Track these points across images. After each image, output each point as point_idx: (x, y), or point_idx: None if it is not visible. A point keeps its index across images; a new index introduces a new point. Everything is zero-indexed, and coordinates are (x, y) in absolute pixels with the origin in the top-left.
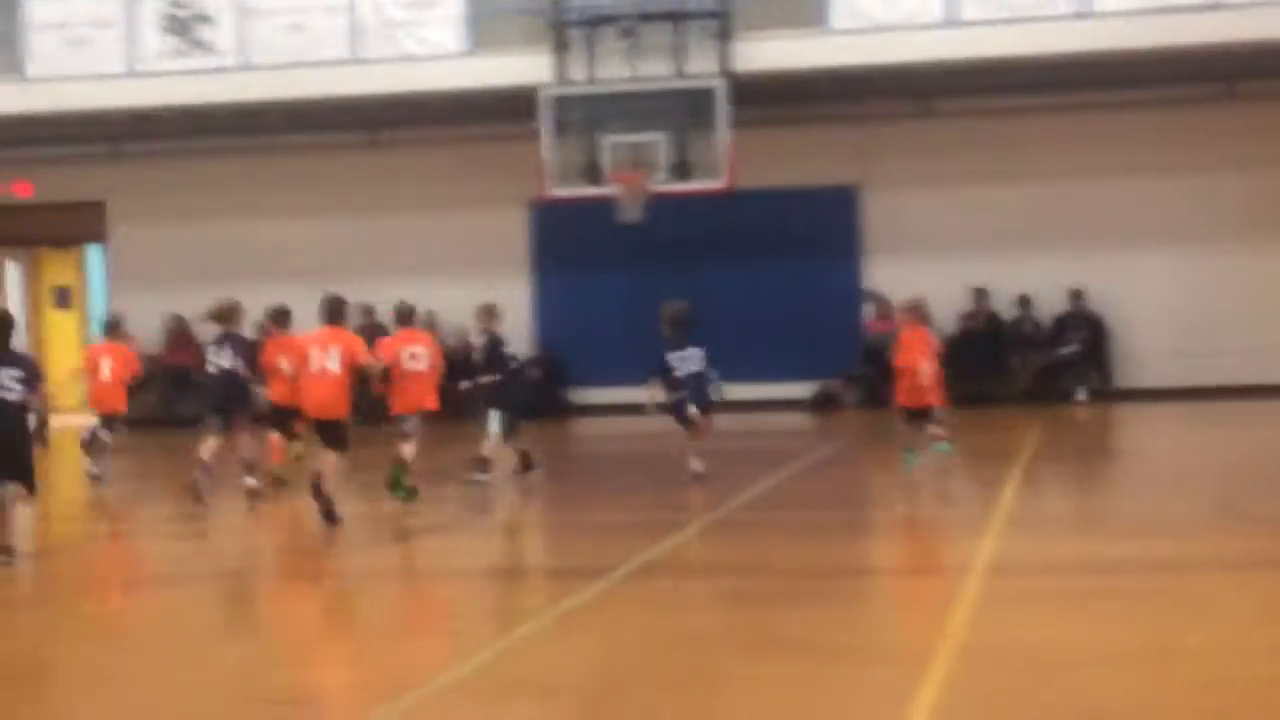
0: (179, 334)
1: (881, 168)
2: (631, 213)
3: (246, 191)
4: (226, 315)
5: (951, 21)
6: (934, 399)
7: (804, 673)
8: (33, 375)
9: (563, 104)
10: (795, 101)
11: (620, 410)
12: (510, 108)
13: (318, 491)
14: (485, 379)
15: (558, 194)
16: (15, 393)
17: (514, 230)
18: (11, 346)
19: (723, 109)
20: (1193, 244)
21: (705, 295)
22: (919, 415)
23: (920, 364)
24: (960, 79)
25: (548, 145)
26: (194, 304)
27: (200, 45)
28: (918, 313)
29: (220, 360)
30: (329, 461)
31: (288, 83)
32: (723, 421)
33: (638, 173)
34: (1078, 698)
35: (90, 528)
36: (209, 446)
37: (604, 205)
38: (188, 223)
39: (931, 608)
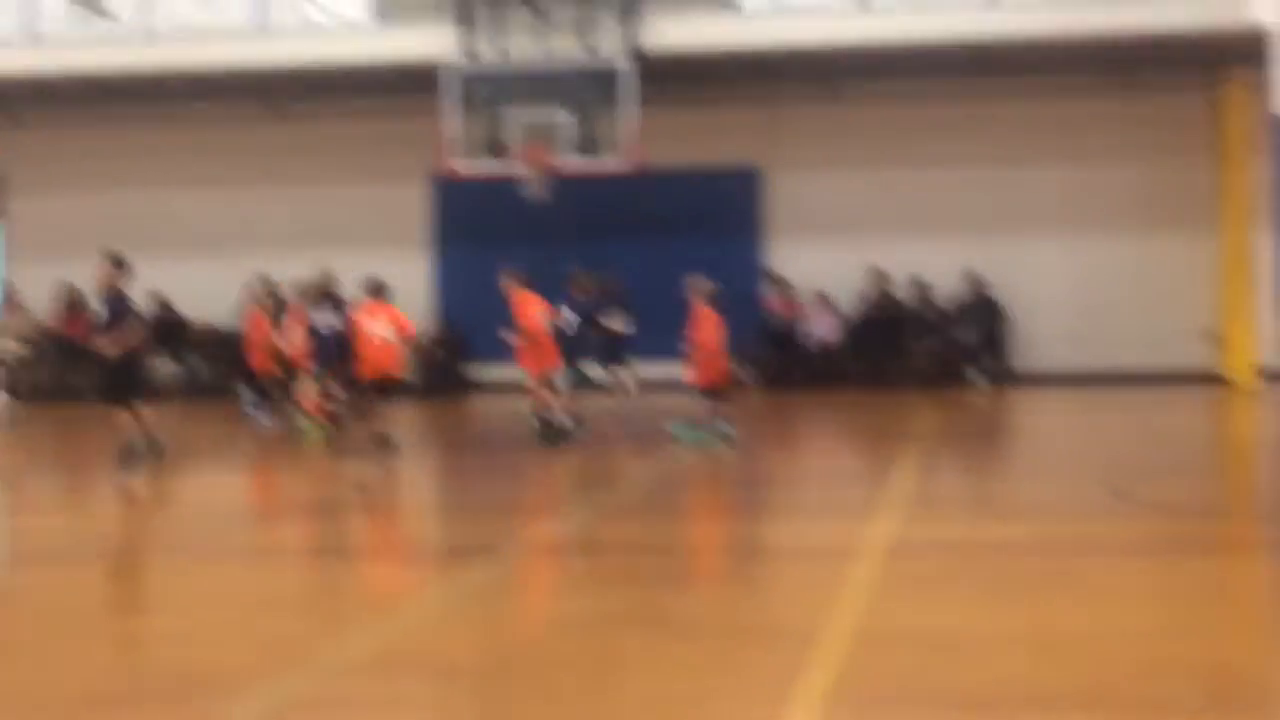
0: (72, 305)
1: (786, 150)
2: (536, 190)
3: (149, 162)
4: (325, 283)
5: (861, 6)
6: (726, 379)
7: (700, 653)
8: None
9: (468, 79)
10: (702, 82)
11: (521, 387)
12: (415, 82)
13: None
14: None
15: (461, 170)
16: None
17: (417, 205)
18: None
19: (629, 88)
20: (1089, 232)
21: (609, 274)
22: (713, 394)
23: (713, 344)
24: (867, 63)
25: (452, 120)
26: (88, 273)
27: (103, 13)
28: (708, 294)
29: (330, 321)
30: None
31: (192, 52)
32: (626, 401)
33: (543, 150)
34: (968, 679)
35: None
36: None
37: (508, 182)
38: (89, 194)
39: (825, 589)
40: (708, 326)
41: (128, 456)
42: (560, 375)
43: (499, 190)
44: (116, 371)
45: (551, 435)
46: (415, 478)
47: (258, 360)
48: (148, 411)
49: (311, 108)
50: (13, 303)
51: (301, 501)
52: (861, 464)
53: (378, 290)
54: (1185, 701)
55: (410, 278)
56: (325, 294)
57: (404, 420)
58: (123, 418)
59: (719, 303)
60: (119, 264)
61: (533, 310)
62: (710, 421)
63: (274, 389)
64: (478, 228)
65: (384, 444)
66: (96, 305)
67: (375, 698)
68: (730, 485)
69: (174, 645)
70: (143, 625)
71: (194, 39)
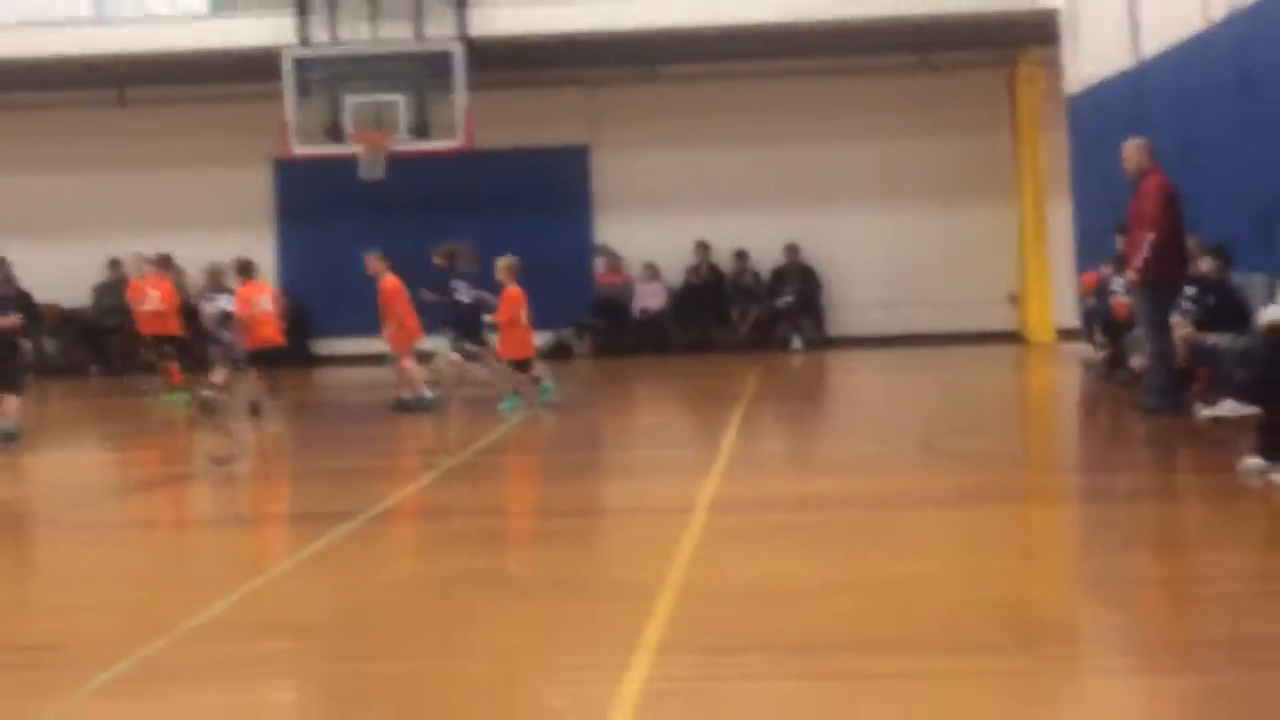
0: None
1: (611, 129)
2: (373, 170)
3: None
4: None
5: None
6: (529, 350)
7: (541, 610)
8: None
9: (305, 65)
10: (530, 65)
11: (362, 360)
12: (255, 68)
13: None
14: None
15: (301, 152)
16: None
17: (259, 187)
18: None
19: (461, 72)
20: (899, 203)
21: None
22: (522, 366)
23: (518, 319)
24: (684, 45)
25: (291, 105)
26: None
27: None
28: (514, 273)
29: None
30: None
31: (31, 41)
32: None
33: (378, 132)
34: (795, 625)
35: None
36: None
37: (346, 163)
38: None
39: (660, 546)
40: (512, 305)
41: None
42: (424, 347)
43: (338, 171)
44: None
45: (410, 406)
46: (271, 448)
47: (164, 324)
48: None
49: (154, 94)
50: None
51: (162, 475)
52: (690, 426)
53: (249, 270)
54: (996, 640)
55: (255, 256)
56: (217, 282)
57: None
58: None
59: (524, 276)
60: None
61: (397, 288)
62: (528, 388)
63: (160, 352)
64: (317, 207)
65: (257, 411)
66: None
67: (234, 659)
68: (567, 448)
69: (31, 616)
70: (16, 594)
71: (35, 27)
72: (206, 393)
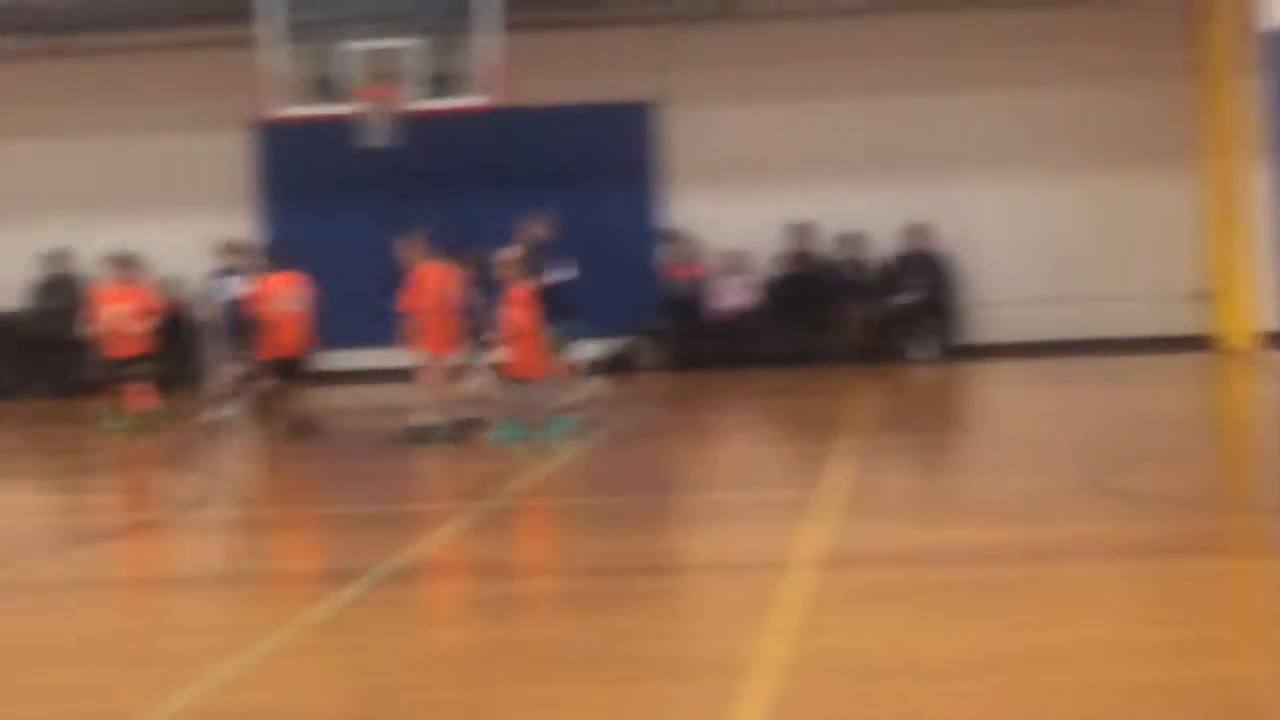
0: None
1: (683, 81)
2: (378, 135)
3: None
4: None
5: None
6: (543, 368)
7: (599, 693)
8: None
9: (289, 2)
10: (578, 1)
11: (369, 377)
12: (226, 7)
13: None
14: None
15: (286, 113)
16: None
17: (234, 157)
18: None
19: (488, 8)
20: (1048, 172)
21: (468, 234)
22: (529, 383)
23: (531, 326)
24: None
25: (273, 54)
26: None
27: None
28: (523, 267)
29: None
30: None
31: None
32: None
33: (385, 86)
34: (920, 712)
35: None
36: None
37: (344, 126)
38: None
39: (748, 610)
40: (524, 307)
41: None
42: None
43: (333, 137)
44: None
45: (448, 433)
46: (263, 485)
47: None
48: None
49: (98, 42)
50: None
51: (123, 522)
52: (784, 459)
53: (283, 256)
54: None
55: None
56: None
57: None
58: None
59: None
60: None
61: (439, 283)
62: (538, 415)
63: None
64: (309, 183)
65: (300, 432)
66: None
67: None
68: (630, 489)
69: None
70: None
71: None
72: (210, 415)
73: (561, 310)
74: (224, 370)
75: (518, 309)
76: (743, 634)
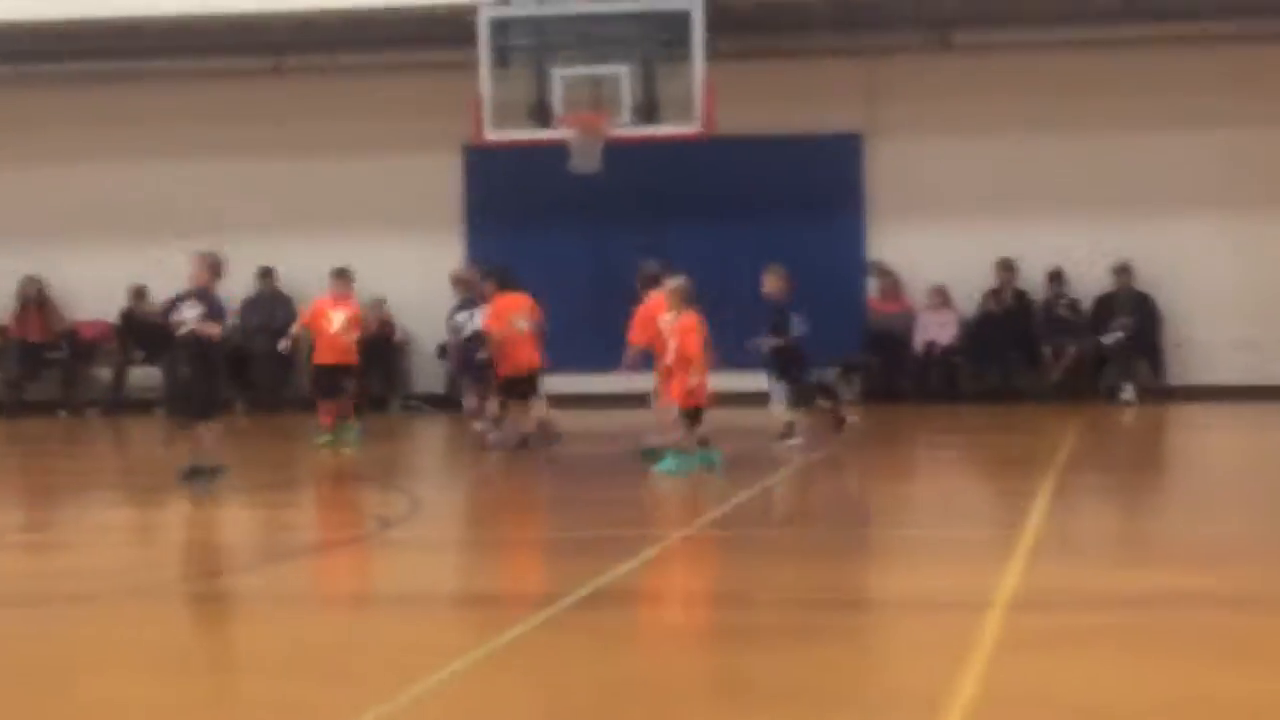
0: (35, 301)
1: (891, 112)
2: (586, 161)
3: (120, 128)
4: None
5: None
6: (704, 398)
7: None
8: None
9: (506, 27)
10: (787, 30)
11: (575, 402)
12: (443, 31)
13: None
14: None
15: (497, 137)
16: None
17: (445, 180)
18: None
19: (699, 37)
20: (1262, 211)
21: (675, 262)
22: (694, 415)
23: (694, 355)
24: (985, 5)
25: (487, 78)
26: (55, 264)
27: None
28: (686, 294)
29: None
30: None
31: None
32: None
33: (595, 113)
34: None
35: None
36: None
37: (553, 151)
38: (47, 165)
39: (945, 648)
40: (693, 335)
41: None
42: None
43: (543, 161)
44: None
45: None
46: (455, 513)
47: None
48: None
49: (319, 62)
50: None
51: (323, 539)
52: (986, 497)
53: (506, 279)
54: None
55: (440, 264)
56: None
57: (440, 439)
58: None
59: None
60: None
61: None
62: (692, 445)
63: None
64: (517, 207)
65: (536, 443)
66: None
67: None
68: (828, 523)
69: (137, 716)
70: (126, 691)
71: None
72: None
73: (799, 363)
74: (470, 397)
75: (685, 338)
76: (939, 671)
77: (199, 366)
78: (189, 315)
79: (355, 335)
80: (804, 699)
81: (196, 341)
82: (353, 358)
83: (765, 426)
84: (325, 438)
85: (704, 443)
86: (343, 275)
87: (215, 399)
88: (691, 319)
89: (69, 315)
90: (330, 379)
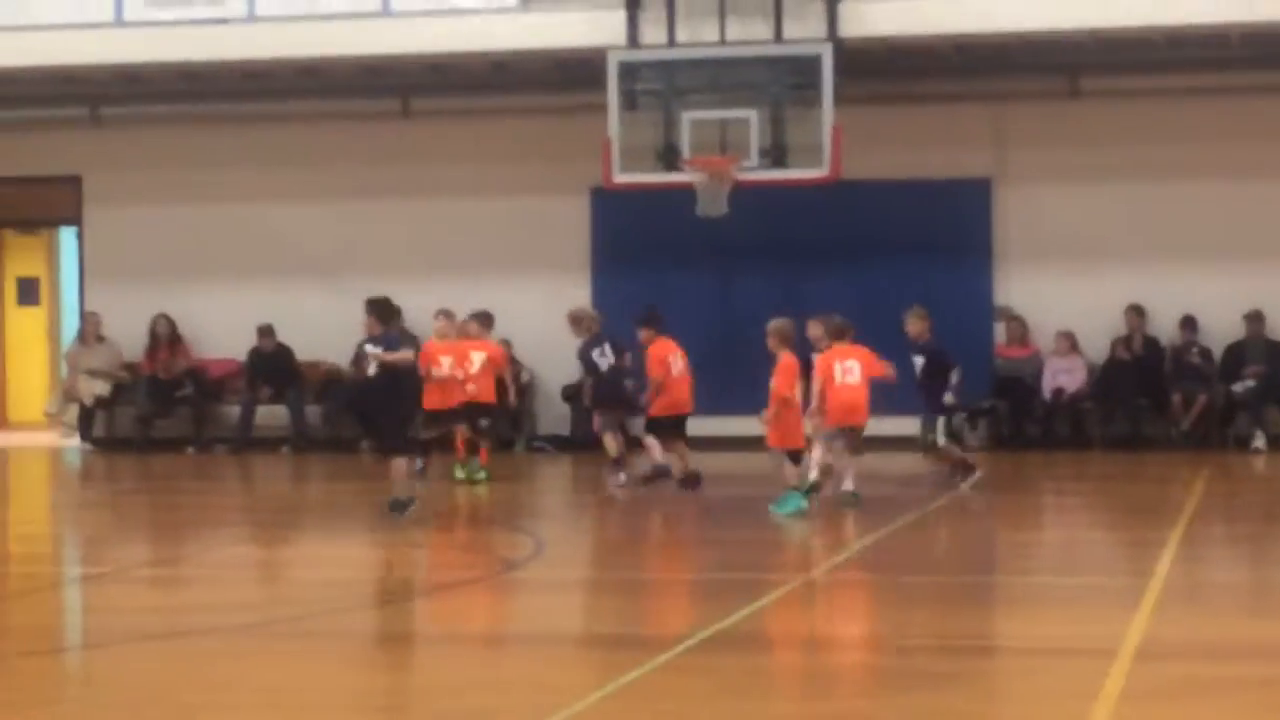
0: (166, 338)
1: (1020, 158)
2: (714, 205)
3: (251, 168)
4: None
5: None
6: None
7: None
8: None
9: (634, 71)
10: (916, 75)
11: (702, 444)
12: (571, 75)
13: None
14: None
15: (625, 180)
16: None
17: (573, 222)
18: None
19: (828, 82)
20: None
21: (801, 306)
22: (794, 457)
23: (791, 394)
24: (1115, 52)
25: (615, 121)
26: (186, 301)
27: None
28: (788, 338)
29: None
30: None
31: (302, 38)
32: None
33: (723, 157)
34: None
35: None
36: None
37: (681, 195)
38: (180, 204)
39: (1071, 696)
40: (788, 375)
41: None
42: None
43: (670, 205)
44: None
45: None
46: (580, 554)
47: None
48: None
49: (447, 105)
50: (92, 333)
51: (443, 579)
52: (1113, 545)
53: (655, 322)
54: None
55: (569, 308)
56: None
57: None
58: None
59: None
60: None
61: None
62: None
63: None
64: (643, 251)
65: (692, 484)
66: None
67: None
68: (952, 569)
69: None
70: None
71: (303, 21)
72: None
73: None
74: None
75: (780, 379)
76: (1065, 719)
77: (389, 402)
78: (373, 354)
79: (491, 378)
80: None
81: (385, 376)
82: (490, 398)
83: (897, 470)
84: (468, 473)
85: (796, 487)
86: (483, 318)
87: (405, 433)
88: (788, 359)
89: (199, 353)
90: (464, 420)
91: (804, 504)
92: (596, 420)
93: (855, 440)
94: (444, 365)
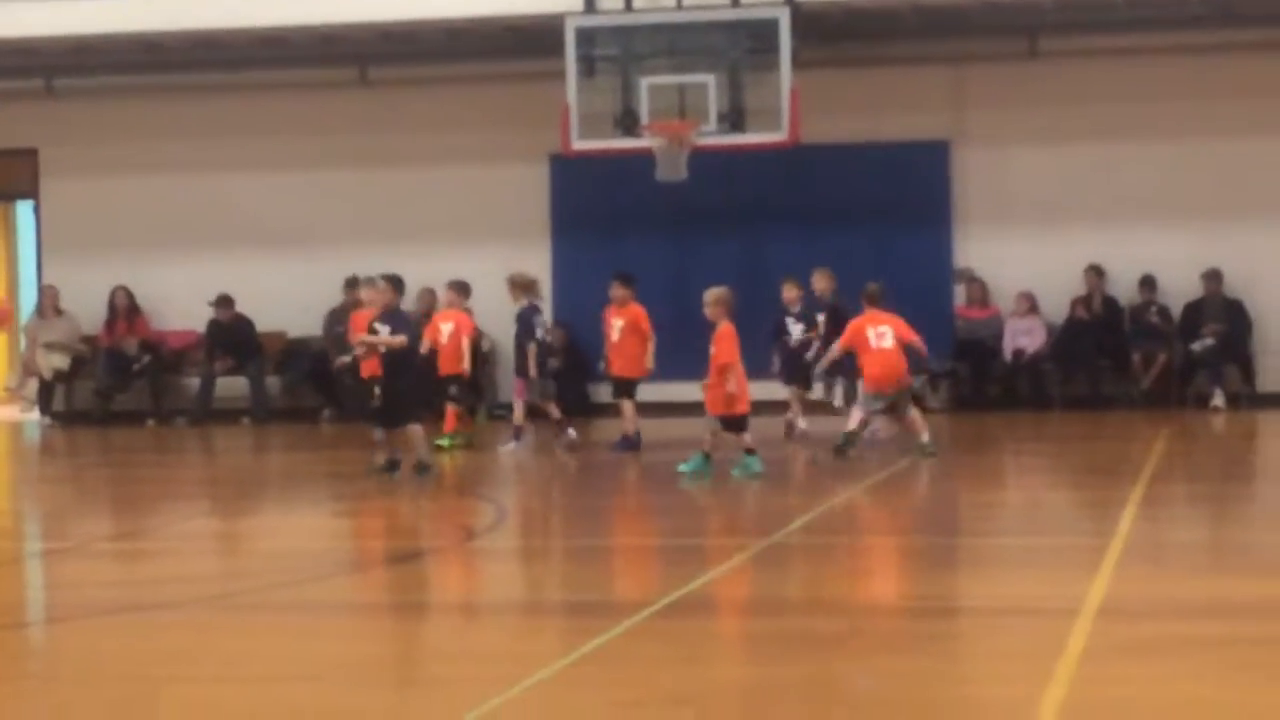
0: (124, 311)
1: (978, 120)
2: (673, 170)
3: (208, 139)
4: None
5: None
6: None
7: None
8: None
9: (592, 37)
10: (874, 38)
11: (660, 410)
12: (528, 41)
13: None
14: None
15: (584, 146)
16: None
17: (532, 190)
18: None
19: (786, 46)
20: None
21: (761, 270)
22: (734, 425)
23: (732, 361)
24: (1073, 12)
25: (574, 87)
26: (144, 273)
27: None
28: (727, 305)
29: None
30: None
31: (259, 7)
32: (773, 426)
33: (682, 122)
34: None
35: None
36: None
37: (640, 160)
38: (137, 175)
39: (1033, 656)
40: (727, 342)
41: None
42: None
43: (629, 170)
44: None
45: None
46: (554, 515)
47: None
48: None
49: (405, 73)
50: (50, 307)
51: (402, 548)
52: (1074, 505)
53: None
54: None
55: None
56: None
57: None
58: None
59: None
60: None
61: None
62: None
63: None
64: (602, 217)
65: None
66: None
67: None
68: (915, 530)
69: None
70: (207, 700)
71: None
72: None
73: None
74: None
75: (720, 345)
76: (1028, 681)
77: (399, 376)
78: (382, 333)
79: (464, 346)
80: (890, 707)
81: (390, 354)
82: (460, 369)
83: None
84: (446, 441)
85: (750, 450)
86: (461, 287)
87: (415, 403)
88: (727, 328)
89: (159, 325)
90: (442, 388)
91: (706, 471)
92: (524, 386)
93: (903, 402)
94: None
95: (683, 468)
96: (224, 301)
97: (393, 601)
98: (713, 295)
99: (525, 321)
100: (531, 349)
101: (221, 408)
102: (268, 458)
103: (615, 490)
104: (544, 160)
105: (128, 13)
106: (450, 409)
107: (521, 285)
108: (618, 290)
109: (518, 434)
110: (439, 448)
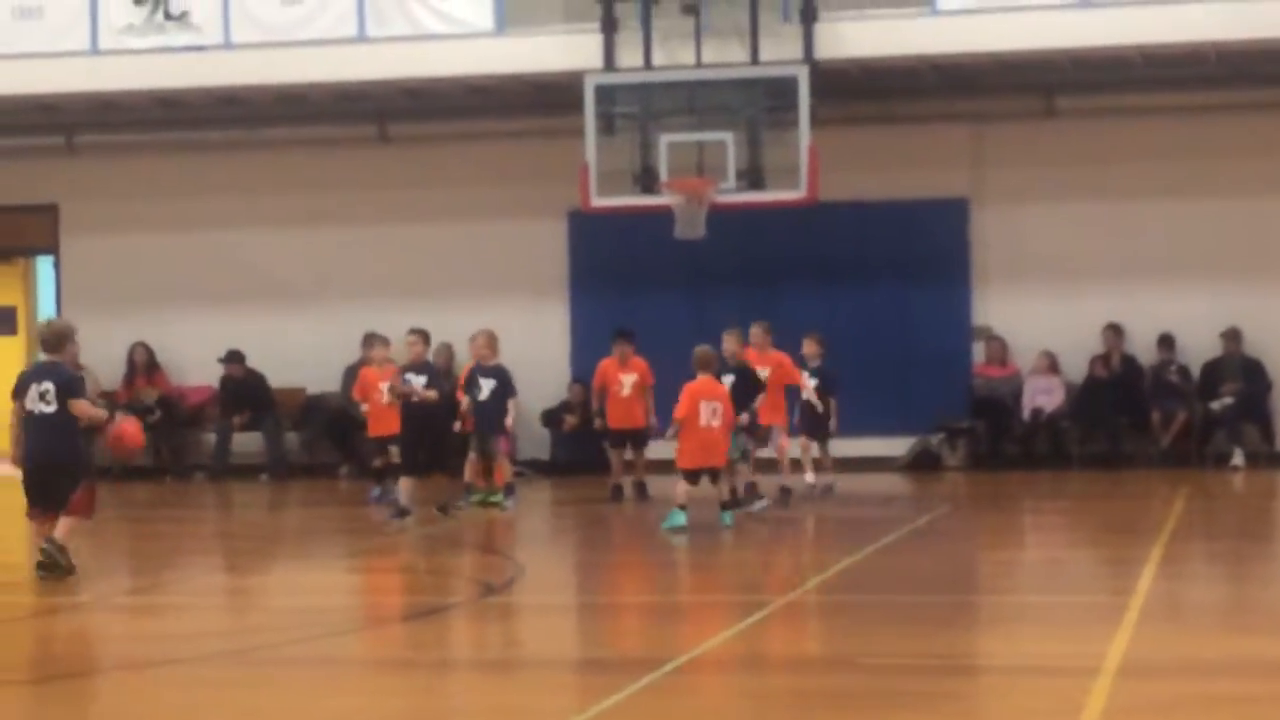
0: (143, 366)
1: (997, 178)
2: (692, 227)
3: (228, 195)
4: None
5: (1083, 1)
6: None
7: None
8: None
9: (611, 94)
10: (892, 97)
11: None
12: (548, 99)
13: None
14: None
15: (603, 203)
16: None
17: (551, 246)
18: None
19: (804, 104)
20: None
21: (778, 328)
22: (696, 476)
23: (681, 418)
24: (1090, 71)
25: (593, 144)
26: (164, 329)
27: (174, 18)
28: (695, 361)
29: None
30: None
31: (279, 64)
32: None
33: (700, 179)
34: None
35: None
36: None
37: (658, 218)
38: (157, 231)
39: (1053, 715)
40: (684, 399)
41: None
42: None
43: (647, 228)
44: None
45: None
46: (554, 575)
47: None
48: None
49: (424, 130)
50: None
51: (421, 604)
52: (1093, 563)
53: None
54: None
55: (545, 330)
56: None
57: (545, 505)
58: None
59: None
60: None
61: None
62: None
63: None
64: (621, 274)
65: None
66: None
67: None
68: (933, 589)
69: None
70: None
71: (280, 48)
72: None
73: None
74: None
75: (681, 401)
76: None
77: (428, 429)
78: (416, 384)
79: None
80: None
81: (421, 407)
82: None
83: (875, 491)
84: (478, 496)
85: (727, 505)
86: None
87: (434, 457)
88: (690, 384)
89: (178, 380)
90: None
91: (677, 523)
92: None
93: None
94: (383, 392)
95: (664, 525)
96: (234, 357)
97: (409, 658)
98: (695, 352)
99: (505, 378)
100: (513, 404)
101: (239, 463)
102: (285, 513)
103: (633, 546)
104: (562, 216)
105: (148, 70)
106: (498, 464)
107: (494, 342)
108: (625, 347)
109: (509, 490)
110: (491, 503)
